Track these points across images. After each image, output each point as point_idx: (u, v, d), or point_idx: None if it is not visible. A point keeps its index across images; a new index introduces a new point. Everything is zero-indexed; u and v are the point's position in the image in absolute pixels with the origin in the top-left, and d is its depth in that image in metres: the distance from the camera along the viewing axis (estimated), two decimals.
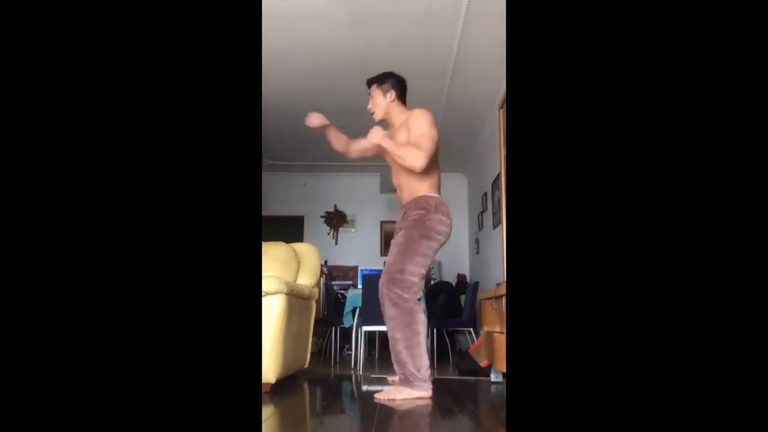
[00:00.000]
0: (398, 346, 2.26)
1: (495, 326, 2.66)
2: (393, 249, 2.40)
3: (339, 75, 4.07)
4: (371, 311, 3.80)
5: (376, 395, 2.25)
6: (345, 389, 2.68)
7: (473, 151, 5.88)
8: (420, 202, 2.42)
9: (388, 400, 2.19)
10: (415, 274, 2.31)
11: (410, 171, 2.39)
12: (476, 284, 4.59)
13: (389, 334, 2.31)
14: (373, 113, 2.58)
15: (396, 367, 2.31)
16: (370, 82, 2.60)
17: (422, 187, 2.46)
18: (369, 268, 5.74)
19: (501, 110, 3.18)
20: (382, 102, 2.55)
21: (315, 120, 2.59)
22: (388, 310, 2.31)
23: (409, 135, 2.39)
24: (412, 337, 2.25)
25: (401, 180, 2.52)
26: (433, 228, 2.36)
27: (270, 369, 2.42)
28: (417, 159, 2.31)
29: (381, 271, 2.54)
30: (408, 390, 2.24)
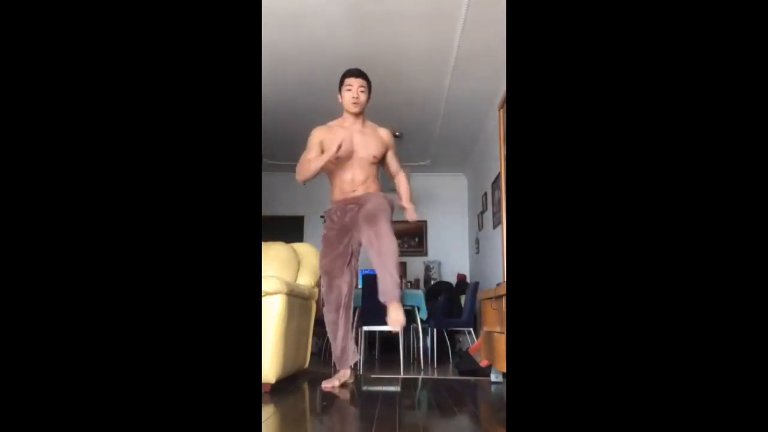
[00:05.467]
0: (394, 270, 2.48)
1: (495, 326, 2.66)
2: (387, 229, 2.52)
3: (339, 74, 4.06)
4: (371, 311, 3.80)
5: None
6: (345, 389, 2.68)
7: (473, 151, 5.88)
8: (382, 194, 2.73)
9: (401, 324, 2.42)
10: None
11: (374, 172, 2.78)
12: (476, 284, 4.59)
13: (387, 259, 2.47)
14: (356, 104, 2.69)
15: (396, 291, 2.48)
16: (360, 74, 2.72)
17: (378, 185, 2.80)
18: (369, 268, 5.74)
19: (501, 110, 3.18)
20: (364, 100, 2.73)
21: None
22: (391, 237, 2.49)
23: (388, 151, 2.82)
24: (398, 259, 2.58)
25: (360, 176, 2.73)
26: None
27: (270, 369, 2.42)
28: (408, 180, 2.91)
29: None
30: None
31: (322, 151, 2.69)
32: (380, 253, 2.47)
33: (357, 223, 2.64)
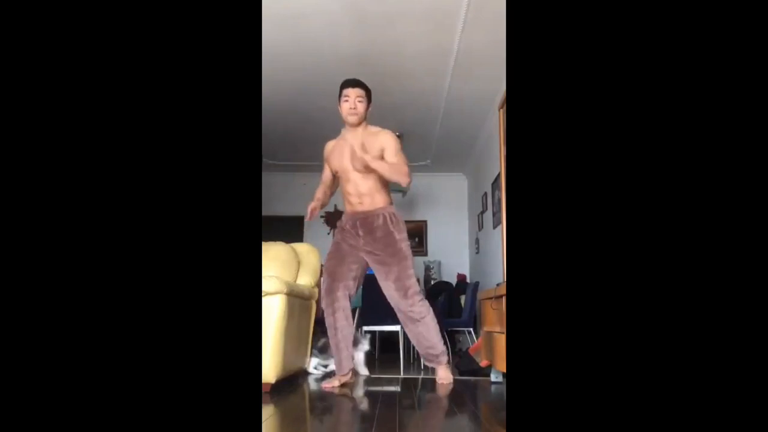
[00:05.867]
0: (436, 338, 2.75)
1: (495, 326, 2.66)
2: (401, 262, 2.67)
3: (339, 74, 4.04)
4: (371, 311, 3.80)
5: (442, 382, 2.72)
6: (345, 389, 2.68)
7: (473, 151, 5.88)
8: (392, 212, 2.74)
9: (450, 384, 2.67)
10: None
11: (377, 183, 2.68)
12: (476, 284, 4.59)
13: (428, 334, 2.73)
14: (354, 115, 2.64)
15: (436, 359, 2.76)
16: (357, 84, 2.67)
17: (386, 198, 2.75)
18: (369, 268, 5.74)
19: (501, 110, 3.18)
20: (363, 109, 2.67)
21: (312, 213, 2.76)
22: (424, 311, 2.71)
23: (384, 153, 2.63)
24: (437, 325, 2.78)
25: (363, 187, 2.69)
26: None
27: (270, 369, 2.42)
28: (406, 176, 2.60)
29: None
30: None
31: (331, 172, 2.84)
32: (418, 331, 2.75)
33: (373, 262, 2.73)
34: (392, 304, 2.76)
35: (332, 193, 2.97)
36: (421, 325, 2.72)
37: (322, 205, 2.88)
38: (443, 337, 4.71)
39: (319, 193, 2.89)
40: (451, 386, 2.61)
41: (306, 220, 2.74)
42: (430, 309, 2.76)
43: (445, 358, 2.77)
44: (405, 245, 2.69)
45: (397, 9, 3.22)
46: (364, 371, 3.28)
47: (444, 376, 2.75)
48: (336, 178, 2.88)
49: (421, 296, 2.73)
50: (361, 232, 2.70)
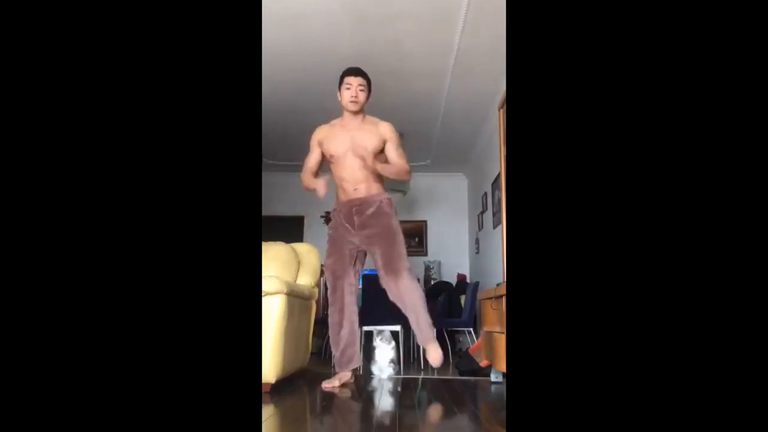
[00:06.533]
0: (424, 314, 2.64)
1: (495, 326, 2.66)
2: (392, 242, 2.67)
3: (339, 74, 4.06)
4: (371, 311, 3.80)
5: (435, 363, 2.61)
6: (345, 389, 2.68)
7: (473, 151, 5.88)
8: (387, 198, 2.78)
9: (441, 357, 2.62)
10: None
11: (373, 171, 2.70)
12: (476, 284, 4.59)
13: (415, 308, 2.63)
14: (355, 103, 2.68)
15: (429, 333, 2.66)
16: (359, 73, 2.72)
17: (381, 185, 2.79)
18: (369, 268, 5.76)
19: (501, 110, 3.18)
20: (363, 98, 2.72)
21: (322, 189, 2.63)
22: (412, 285, 2.64)
23: (387, 144, 2.75)
24: (425, 302, 2.70)
25: (360, 174, 2.72)
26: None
27: (270, 369, 2.42)
28: (407, 174, 2.79)
29: None
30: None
31: (323, 154, 2.80)
32: (407, 305, 2.66)
33: (365, 244, 2.72)
34: (383, 284, 2.70)
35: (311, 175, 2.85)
36: (414, 307, 2.65)
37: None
38: (443, 337, 4.74)
39: (313, 169, 2.79)
40: (440, 363, 2.61)
41: (322, 194, 2.58)
42: (419, 286, 2.72)
43: (432, 334, 2.67)
44: (397, 227, 2.70)
45: (397, 9, 3.22)
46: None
47: (434, 356, 2.62)
48: (322, 163, 2.83)
49: (412, 275, 2.69)
50: (356, 219, 2.71)
